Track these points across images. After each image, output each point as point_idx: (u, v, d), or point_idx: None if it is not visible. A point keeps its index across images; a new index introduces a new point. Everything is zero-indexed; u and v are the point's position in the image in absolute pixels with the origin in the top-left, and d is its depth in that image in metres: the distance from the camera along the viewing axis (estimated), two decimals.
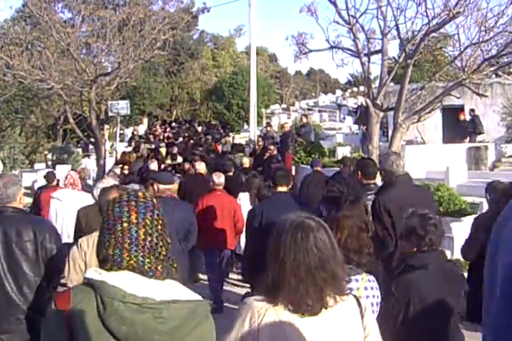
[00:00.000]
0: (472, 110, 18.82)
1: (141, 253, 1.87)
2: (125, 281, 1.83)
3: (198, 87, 40.87)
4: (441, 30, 12.77)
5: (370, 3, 12.08)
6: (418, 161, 14.75)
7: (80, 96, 20.08)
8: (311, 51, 13.68)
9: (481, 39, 11.10)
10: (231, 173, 10.02)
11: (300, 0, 46.38)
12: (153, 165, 12.34)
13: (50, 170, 13.53)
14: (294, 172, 14.17)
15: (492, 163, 16.07)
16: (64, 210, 7.36)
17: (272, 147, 14.04)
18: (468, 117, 18.91)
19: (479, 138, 18.29)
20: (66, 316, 1.81)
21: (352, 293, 2.46)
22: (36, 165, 24.42)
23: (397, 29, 11.85)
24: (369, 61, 12.65)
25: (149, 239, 1.90)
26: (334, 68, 45.04)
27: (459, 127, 18.56)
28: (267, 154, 13.86)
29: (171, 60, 38.55)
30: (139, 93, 33.72)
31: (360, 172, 5.62)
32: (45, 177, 10.20)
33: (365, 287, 3.16)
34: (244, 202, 8.71)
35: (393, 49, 51.44)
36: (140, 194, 2.01)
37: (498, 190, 5.55)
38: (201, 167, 9.87)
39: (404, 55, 12.01)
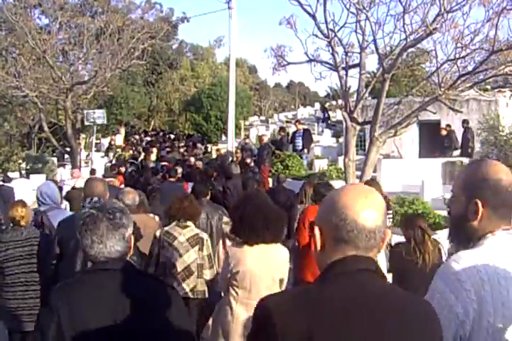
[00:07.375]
0: (448, 125, 18.88)
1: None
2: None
3: (177, 97, 40.69)
4: (419, 46, 12.86)
5: (349, 18, 12.10)
6: (394, 175, 14.78)
7: (55, 104, 19.87)
8: (289, 63, 13.61)
9: (457, 55, 11.19)
10: None
11: (280, 12, 46.69)
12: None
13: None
14: (270, 185, 14.13)
15: None
16: None
17: (248, 159, 14.01)
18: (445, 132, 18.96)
19: (454, 153, 18.33)
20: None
21: None
22: (10, 174, 23.93)
23: (375, 44, 11.88)
24: (347, 75, 12.63)
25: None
26: (313, 81, 45.25)
27: (438, 142, 18.60)
28: (244, 166, 13.83)
29: (150, 70, 38.34)
30: (116, 102, 33.38)
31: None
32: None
33: None
34: None
35: (371, 63, 52.03)
36: None
37: None
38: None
39: (382, 69, 12.03)
